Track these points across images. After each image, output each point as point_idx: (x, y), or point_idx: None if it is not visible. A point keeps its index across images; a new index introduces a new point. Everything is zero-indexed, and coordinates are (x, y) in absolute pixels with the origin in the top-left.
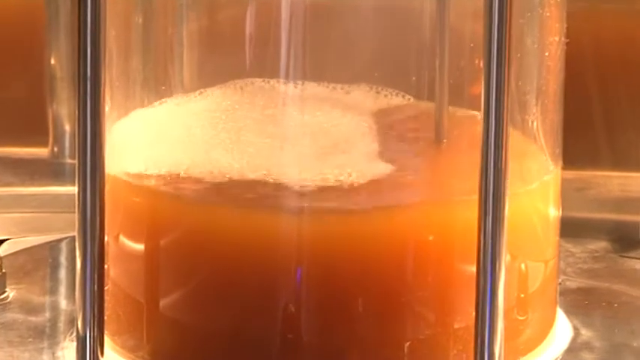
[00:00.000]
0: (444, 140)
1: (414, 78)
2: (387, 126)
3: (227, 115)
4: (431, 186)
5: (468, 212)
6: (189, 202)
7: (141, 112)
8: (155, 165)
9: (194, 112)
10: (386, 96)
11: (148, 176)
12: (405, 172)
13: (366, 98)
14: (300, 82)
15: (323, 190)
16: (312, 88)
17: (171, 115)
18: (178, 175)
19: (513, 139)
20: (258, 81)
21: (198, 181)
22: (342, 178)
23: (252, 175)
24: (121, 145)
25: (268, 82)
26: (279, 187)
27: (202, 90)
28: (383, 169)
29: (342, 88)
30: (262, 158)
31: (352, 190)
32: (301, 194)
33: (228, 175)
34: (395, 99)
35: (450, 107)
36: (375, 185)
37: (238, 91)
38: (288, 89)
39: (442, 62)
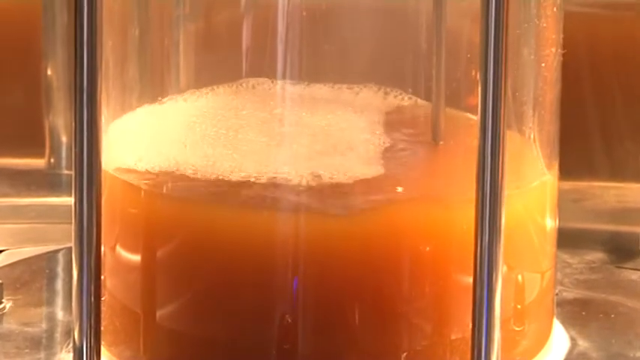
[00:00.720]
0: (441, 142)
1: (412, 79)
2: (386, 127)
3: (225, 114)
4: (428, 186)
5: (464, 213)
6: (185, 201)
7: (138, 112)
8: (151, 163)
9: (192, 112)
10: (395, 97)
11: (144, 174)
12: (403, 172)
13: (366, 98)
14: (298, 83)
15: (319, 191)
16: (309, 88)
17: (168, 115)
18: (174, 174)
19: (510, 150)
20: (258, 81)
21: (194, 181)
22: (338, 178)
23: (248, 175)
24: (117, 144)
25: (267, 82)
26: (276, 187)
27: (201, 90)
28: (381, 169)
29: (341, 88)
30: (259, 158)
31: (349, 190)
32: (297, 194)
33: (224, 175)
34: (397, 99)
35: (449, 109)
36: (372, 185)
37: (238, 91)
38: (286, 90)
39: (439, 63)
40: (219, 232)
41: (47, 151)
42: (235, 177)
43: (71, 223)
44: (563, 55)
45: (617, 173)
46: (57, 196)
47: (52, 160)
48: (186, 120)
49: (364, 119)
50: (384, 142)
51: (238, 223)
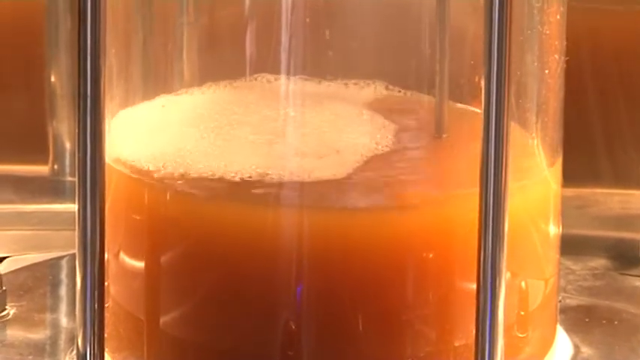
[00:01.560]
0: (445, 135)
1: (415, 74)
2: (388, 122)
3: (228, 111)
4: (431, 183)
5: (467, 210)
6: (185, 198)
7: (140, 108)
8: (153, 161)
9: (194, 108)
10: (399, 92)
11: (147, 172)
12: (407, 169)
13: (368, 94)
14: (299, 79)
15: (322, 187)
16: (312, 84)
17: (170, 111)
18: (177, 171)
19: (514, 158)
20: (263, 78)
21: (196, 178)
22: (340, 174)
23: (252, 173)
24: (119, 139)
25: (271, 79)
26: (279, 185)
27: (204, 86)
28: (383, 165)
29: (345, 84)
30: (261, 155)
31: (351, 186)
32: (301, 191)
33: (223, 173)
34: (398, 95)
35: (451, 103)
36: (374, 182)
37: (240, 88)
38: (288, 87)
39: (442, 57)
40: (220, 228)
41: (51, 157)
42: (238, 174)
43: (75, 229)
44: (566, 60)
45: (621, 180)
46: (60, 202)
47: (55, 167)
48: (187, 118)
49: (365, 115)
50: (385, 140)
51: (236, 220)
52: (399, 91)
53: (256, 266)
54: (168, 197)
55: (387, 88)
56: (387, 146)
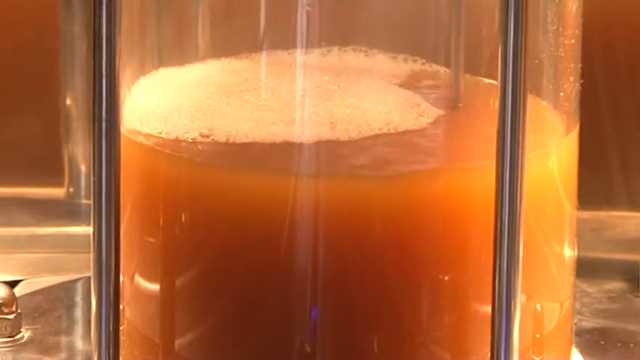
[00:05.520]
0: (460, 104)
1: (430, 44)
2: (405, 91)
3: (246, 81)
4: (448, 152)
5: (485, 180)
6: (200, 166)
7: (153, 78)
8: (163, 128)
9: (210, 79)
10: (405, 61)
11: (163, 142)
12: (423, 137)
13: (384, 63)
14: (316, 49)
15: (338, 156)
16: (329, 53)
17: (187, 81)
18: (195, 140)
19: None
20: (276, 51)
21: (212, 144)
22: (354, 137)
23: (266, 139)
24: (133, 109)
25: (285, 50)
26: (297, 152)
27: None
28: (401, 134)
29: (360, 53)
30: (279, 124)
31: (367, 152)
32: (317, 161)
33: (237, 139)
34: (413, 65)
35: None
36: (391, 150)
37: (257, 60)
38: (305, 55)
39: (458, 26)
40: (234, 195)
41: (66, 180)
42: (243, 140)
43: (90, 252)
44: (582, 84)
45: (637, 202)
46: (76, 225)
47: (70, 190)
48: (204, 89)
49: (384, 84)
50: (404, 106)
51: (249, 187)
52: (416, 61)
53: (272, 272)
54: (182, 166)
55: (402, 59)
56: (404, 117)
